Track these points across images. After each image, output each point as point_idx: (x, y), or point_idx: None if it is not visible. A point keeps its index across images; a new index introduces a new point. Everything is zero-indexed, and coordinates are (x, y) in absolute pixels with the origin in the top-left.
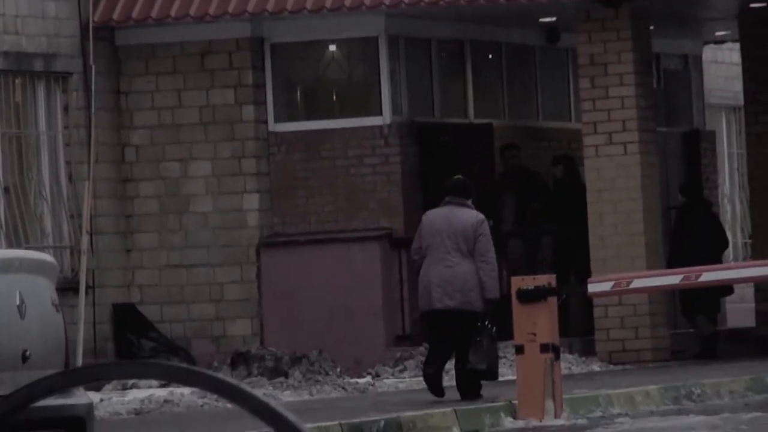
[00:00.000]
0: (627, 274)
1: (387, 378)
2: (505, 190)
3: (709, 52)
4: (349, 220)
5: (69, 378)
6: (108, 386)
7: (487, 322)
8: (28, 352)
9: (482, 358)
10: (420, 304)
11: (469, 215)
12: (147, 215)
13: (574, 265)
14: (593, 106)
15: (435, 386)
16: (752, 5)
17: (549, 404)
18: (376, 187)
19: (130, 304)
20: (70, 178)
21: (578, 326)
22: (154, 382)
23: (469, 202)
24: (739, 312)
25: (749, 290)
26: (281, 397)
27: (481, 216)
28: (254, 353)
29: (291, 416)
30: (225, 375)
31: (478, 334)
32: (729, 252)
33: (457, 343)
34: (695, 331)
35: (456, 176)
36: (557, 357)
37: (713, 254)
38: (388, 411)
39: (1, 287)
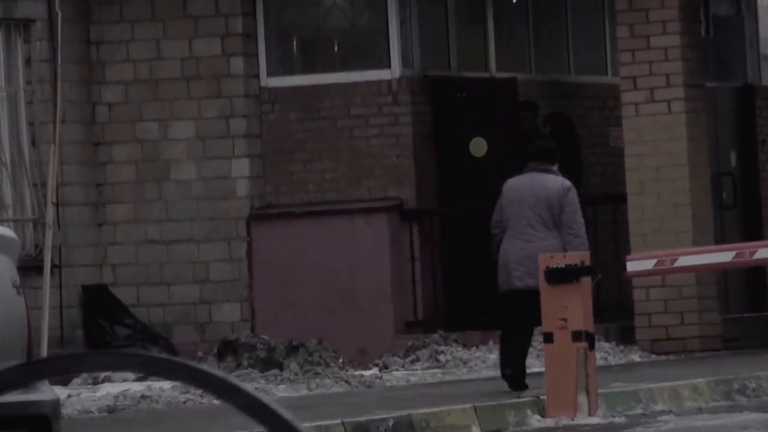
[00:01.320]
0: (671, 251)
1: (396, 370)
2: None
3: None
4: (353, 189)
5: (32, 370)
6: (77, 380)
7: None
8: None
9: None
10: (499, 284)
11: (554, 182)
12: (121, 183)
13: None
14: (632, 57)
15: (518, 384)
16: None
17: (582, 400)
18: (384, 151)
19: (102, 286)
20: (32, 141)
21: (615, 310)
22: (130, 375)
23: (555, 167)
24: None
25: None
26: (275, 391)
27: (568, 183)
28: (244, 342)
29: (286, 414)
30: (211, 366)
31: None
32: None
33: (531, 327)
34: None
35: (540, 140)
36: (592, 346)
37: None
38: (398, 408)
39: None
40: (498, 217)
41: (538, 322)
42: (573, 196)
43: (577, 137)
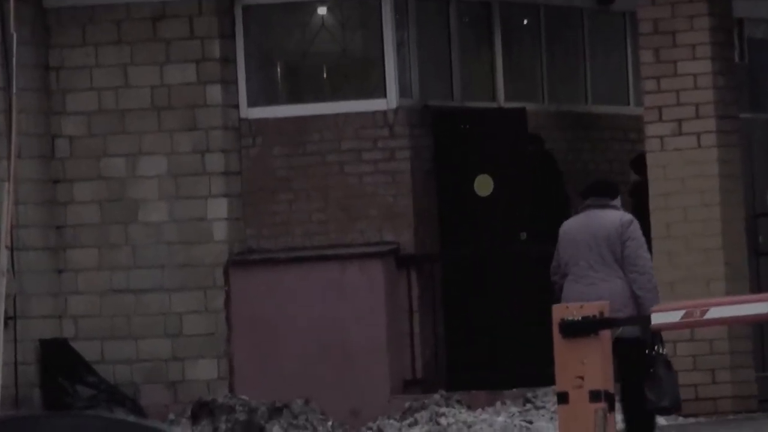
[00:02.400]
0: (701, 301)
1: None
2: None
3: None
4: (344, 233)
5: None
6: None
7: (656, 347)
8: None
9: (662, 392)
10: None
11: (612, 217)
12: (84, 226)
13: None
14: (658, 86)
15: None
16: None
17: None
18: (378, 190)
19: (62, 340)
20: None
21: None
22: None
23: (615, 202)
24: None
25: None
26: None
27: (629, 216)
28: (222, 403)
29: None
30: (184, 431)
31: (649, 364)
32: None
33: (632, 379)
34: None
35: (598, 177)
36: (611, 407)
37: None
38: None
39: None
40: (556, 262)
41: (632, 374)
42: (635, 229)
43: (556, 162)
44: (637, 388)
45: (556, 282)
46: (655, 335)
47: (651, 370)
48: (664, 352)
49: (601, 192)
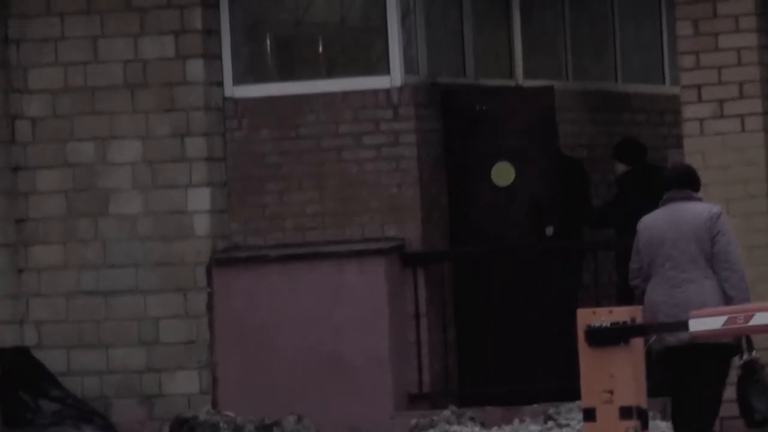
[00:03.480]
0: (745, 306)
1: None
2: None
3: None
4: (342, 227)
5: None
6: None
7: (754, 351)
8: None
9: None
10: (647, 344)
11: (700, 210)
12: (48, 219)
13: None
14: (696, 62)
15: None
16: None
17: None
18: (381, 179)
19: (24, 349)
20: None
21: None
22: None
23: (699, 194)
24: None
25: None
26: None
27: (716, 208)
28: (203, 420)
29: None
30: None
31: (750, 373)
32: None
33: (709, 391)
34: None
35: (676, 163)
36: (645, 425)
37: None
38: None
39: None
40: (636, 263)
41: (709, 383)
42: (724, 222)
43: (577, 162)
44: (708, 402)
45: (637, 286)
46: (748, 339)
47: (756, 378)
48: (755, 355)
49: (683, 182)
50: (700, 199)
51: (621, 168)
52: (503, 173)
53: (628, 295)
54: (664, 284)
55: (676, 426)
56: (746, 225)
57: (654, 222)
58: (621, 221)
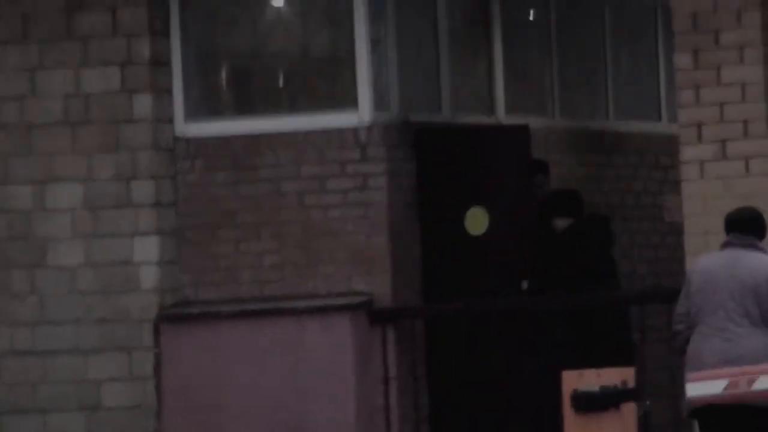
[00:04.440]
0: (749, 368)
1: None
2: None
3: None
4: (304, 280)
5: None
6: None
7: None
8: None
9: None
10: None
11: (763, 263)
12: None
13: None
14: (696, 96)
15: None
16: None
17: None
18: (347, 227)
19: None
20: None
21: None
22: None
23: (762, 243)
24: None
25: None
26: None
27: None
28: None
29: None
30: None
31: None
32: None
33: None
34: None
35: (742, 206)
36: None
37: None
38: None
39: None
40: (683, 308)
41: None
42: None
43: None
44: None
45: (680, 332)
46: None
47: None
48: None
49: (747, 228)
50: (763, 250)
51: (562, 223)
52: (477, 220)
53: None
54: (714, 336)
55: None
56: None
57: (710, 266)
58: (574, 279)
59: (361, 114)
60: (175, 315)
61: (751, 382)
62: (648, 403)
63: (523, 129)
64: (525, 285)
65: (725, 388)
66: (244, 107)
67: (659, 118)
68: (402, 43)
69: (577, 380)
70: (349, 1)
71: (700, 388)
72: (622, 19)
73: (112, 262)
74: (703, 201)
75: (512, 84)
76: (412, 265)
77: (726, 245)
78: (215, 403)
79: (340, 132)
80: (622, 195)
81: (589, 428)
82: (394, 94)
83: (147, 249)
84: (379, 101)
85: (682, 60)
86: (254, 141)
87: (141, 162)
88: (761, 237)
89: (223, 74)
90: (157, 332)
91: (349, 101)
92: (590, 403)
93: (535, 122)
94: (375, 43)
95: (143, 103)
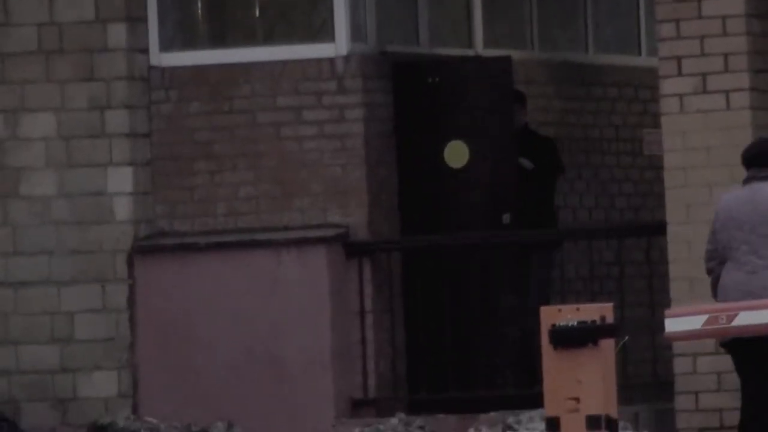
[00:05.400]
0: (728, 304)
1: None
2: None
3: None
4: (279, 212)
5: None
6: None
7: None
8: None
9: None
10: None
11: None
12: None
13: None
14: (677, 30)
15: None
16: None
17: None
18: (323, 159)
19: None
20: None
21: (647, 386)
22: None
23: None
24: None
25: None
26: None
27: None
28: (123, 426)
29: None
30: None
31: None
32: None
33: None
34: None
35: (758, 138)
36: None
37: None
38: None
39: None
40: (711, 245)
41: None
42: None
43: (549, 142)
44: None
45: (713, 269)
46: None
47: None
48: None
49: (765, 160)
50: None
51: (526, 164)
52: (457, 153)
53: None
54: (739, 269)
55: (746, 420)
56: None
57: (734, 203)
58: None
59: (338, 45)
60: (150, 246)
61: (731, 318)
62: (627, 338)
63: (505, 60)
64: (507, 219)
65: (704, 324)
66: (220, 37)
67: (639, 52)
68: None
69: (555, 315)
70: None
71: (677, 324)
72: None
73: (85, 193)
74: (682, 135)
75: (491, 16)
76: (389, 197)
77: (748, 180)
78: (189, 335)
79: (316, 63)
80: (601, 128)
81: (566, 364)
82: (371, 24)
83: (121, 180)
84: (356, 32)
85: None
86: (230, 71)
87: (115, 92)
88: None
89: (199, 4)
90: (131, 264)
91: (326, 32)
92: (568, 339)
93: (514, 54)
94: None
95: (117, 33)
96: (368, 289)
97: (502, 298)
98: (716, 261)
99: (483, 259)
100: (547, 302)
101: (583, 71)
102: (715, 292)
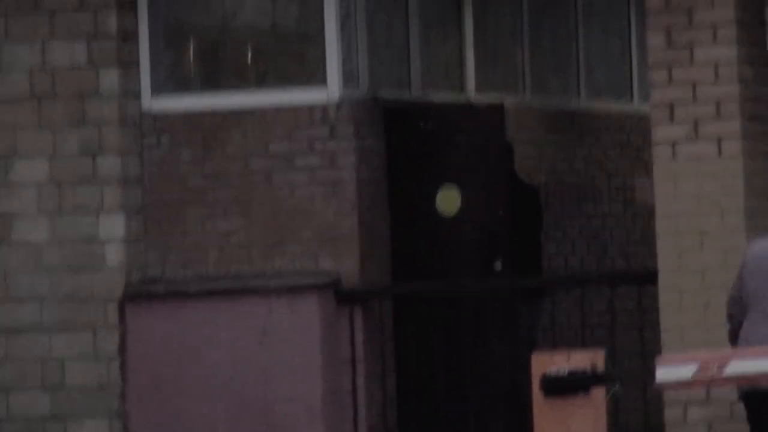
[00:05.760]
0: (719, 353)
1: None
2: None
3: None
4: (271, 259)
5: None
6: None
7: None
8: None
9: None
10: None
11: None
12: None
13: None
14: (668, 77)
15: None
16: None
17: None
18: (315, 205)
19: None
20: None
21: None
22: None
23: None
24: None
25: None
26: None
27: None
28: None
29: None
30: None
31: None
32: None
33: None
34: None
35: None
36: None
37: None
38: None
39: None
40: (737, 292)
41: None
42: None
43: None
44: None
45: (734, 316)
46: None
47: None
48: None
49: None
50: None
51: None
52: (448, 200)
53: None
54: (763, 322)
55: None
56: (723, 261)
57: (761, 251)
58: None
59: (330, 90)
60: (141, 293)
61: (722, 366)
62: (618, 387)
63: (498, 108)
64: (498, 266)
65: (694, 375)
66: (212, 83)
67: (631, 98)
68: (372, 18)
69: (546, 363)
70: None
71: (671, 372)
72: None
73: (77, 239)
74: (674, 182)
75: (483, 61)
76: (381, 244)
77: None
78: (180, 382)
79: (308, 108)
80: (593, 175)
81: (559, 413)
82: (363, 70)
83: (113, 226)
84: (348, 78)
85: (655, 39)
86: (222, 117)
87: (107, 137)
88: None
89: (191, 49)
90: (122, 310)
91: (318, 78)
92: (559, 387)
93: (505, 100)
94: (344, 19)
95: (110, 78)
96: (359, 337)
97: (495, 346)
98: (739, 308)
99: (475, 306)
100: (532, 350)
101: (576, 118)
102: (734, 340)
